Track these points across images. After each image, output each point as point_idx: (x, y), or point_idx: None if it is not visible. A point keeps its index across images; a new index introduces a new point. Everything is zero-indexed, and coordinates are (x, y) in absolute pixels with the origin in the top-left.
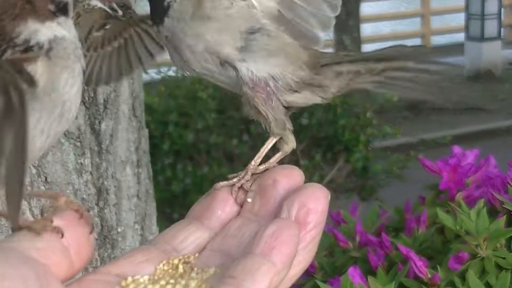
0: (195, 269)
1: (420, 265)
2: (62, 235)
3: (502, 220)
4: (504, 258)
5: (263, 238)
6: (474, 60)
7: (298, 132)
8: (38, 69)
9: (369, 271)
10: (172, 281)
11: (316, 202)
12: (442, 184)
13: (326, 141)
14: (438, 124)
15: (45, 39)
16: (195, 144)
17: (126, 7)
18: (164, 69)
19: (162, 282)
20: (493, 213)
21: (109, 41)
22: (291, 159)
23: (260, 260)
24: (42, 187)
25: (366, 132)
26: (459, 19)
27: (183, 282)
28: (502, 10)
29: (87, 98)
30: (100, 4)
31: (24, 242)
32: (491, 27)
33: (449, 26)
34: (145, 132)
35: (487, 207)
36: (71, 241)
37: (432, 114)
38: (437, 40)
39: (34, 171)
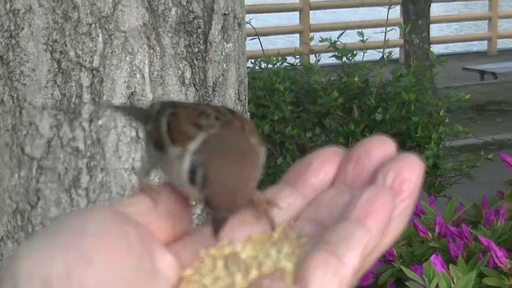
0: (289, 236)
1: (500, 256)
2: (157, 202)
3: None
4: None
5: (358, 205)
6: None
7: (372, 127)
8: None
9: (448, 260)
10: (266, 246)
11: (411, 172)
12: None
13: (399, 137)
14: (503, 126)
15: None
16: (270, 135)
17: None
18: None
19: (258, 247)
20: None
21: None
22: None
23: (355, 226)
24: None
25: (439, 130)
26: None
27: (276, 247)
28: None
29: (197, 80)
30: None
31: (130, 208)
32: None
33: None
34: (248, 116)
35: None
36: (174, 209)
37: (498, 116)
38: (505, 43)
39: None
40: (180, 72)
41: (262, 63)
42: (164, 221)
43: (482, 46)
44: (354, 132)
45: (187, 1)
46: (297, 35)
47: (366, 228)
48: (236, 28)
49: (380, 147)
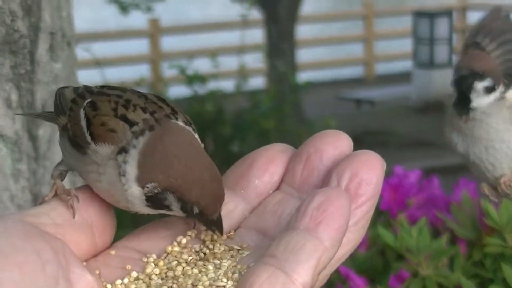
0: (230, 248)
1: (359, 284)
2: (74, 210)
3: (444, 238)
4: (445, 277)
5: (308, 211)
6: (422, 90)
7: (228, 160)
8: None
9: None
10: (203, 260)
11: (370, 172)
12: (382, 204)
13: None
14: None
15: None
16: None
17: None
18: None
19: (193, 262)
20: (435, 234)
21: None
22: None
23: (305, 236)
24: None
25: None
26: (406, 44)
27: (215, 262)
28: (453, 34)
29: (25, 103)
30: None
31: (42, 218)
32: (441, 53)
33: (395, 51)
34: None
35: (429, 228)
36: (94, 218)
37: (376, 148)
38: (382, 67)
39: None
40: (6, 95)
41: None
42: (83, 233)
43: (357, 71)
44: None
45: (11, 20)
46: (146, 63)
47: (319, 239)
48: (65, 47)
49: (333, 143)
